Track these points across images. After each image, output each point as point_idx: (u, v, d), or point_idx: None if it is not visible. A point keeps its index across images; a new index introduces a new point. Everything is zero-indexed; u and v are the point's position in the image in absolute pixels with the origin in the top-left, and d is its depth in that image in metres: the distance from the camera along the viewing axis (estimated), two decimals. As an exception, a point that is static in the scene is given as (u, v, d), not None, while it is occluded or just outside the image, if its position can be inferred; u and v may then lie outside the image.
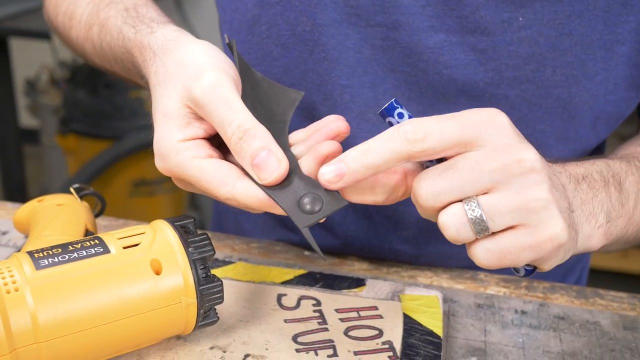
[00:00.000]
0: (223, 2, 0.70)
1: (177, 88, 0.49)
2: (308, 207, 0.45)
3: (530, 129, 0.62)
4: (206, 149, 0.49)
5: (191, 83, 0.48)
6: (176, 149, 0.49)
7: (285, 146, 0.51)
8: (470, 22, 0.58)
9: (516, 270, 0.48)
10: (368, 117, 0.64)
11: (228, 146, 0.48)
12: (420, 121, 0.44)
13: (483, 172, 0.43)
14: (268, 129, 0.48)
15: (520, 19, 0.58)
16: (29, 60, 2.52)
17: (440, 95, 0.61)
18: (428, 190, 0.44)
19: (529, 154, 0.44)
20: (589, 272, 0.85)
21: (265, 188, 0.47)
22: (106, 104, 2.07)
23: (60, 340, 0.43)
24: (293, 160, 0.49)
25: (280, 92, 0.58)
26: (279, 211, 0.46)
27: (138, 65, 0.56)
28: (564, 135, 0.62)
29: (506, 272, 0.66)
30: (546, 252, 0.44)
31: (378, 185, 0.48)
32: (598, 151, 0.69)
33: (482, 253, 0.44)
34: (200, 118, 0.49)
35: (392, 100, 0.47)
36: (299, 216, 0.45)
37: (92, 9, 0.66)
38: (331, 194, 0.46)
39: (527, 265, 0.47)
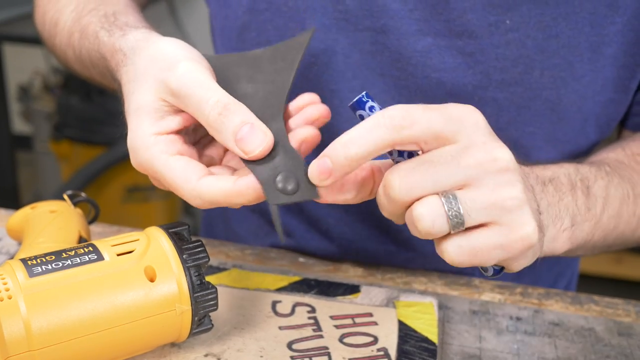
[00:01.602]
0: (214, 10, 0.70)
1: (149, 82, 0.48)
2: (284, 185, 0.45)
3: (520, 131, 0.62)
4: (177, 145, 0.48)
5: (165, 74, 0.48)
6: (146, 144, 0.48)
7: (276, 116, 0.50)
8: (458, 25, 0.59)
9: (484, 269, 0.47)
10: (358, 121, 0.64)
11: (208, 129, 0.47)
12: (406, 108, 0.43)
13: (459, 167, 0.42)
14: (264, 103, 0.49)
15: (507, 22, 0.58)
16: (22, 66, 2.51)
17: (428, 99, 0.62)
18: (402, 183, 0.42)
19: (504, 153, 0.43)
20: (582, 279, 0.85)
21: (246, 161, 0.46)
22: (99, 110, 2.07)
23: (54, 348, 0.43)
24: (282, 133, 0.48)
25: (285, 48, 0.57)
26: (246, 199, 0.45)
27: (111, 69, 0.56)
28: (552, 137, 0.63)
29: (501, 278, 0.66)
30: (516, 252, 0.44)
31: (347, 183, 0.47)
32: (588, 155, 0.69)
33: (454, 249, 0.43)
34: (175, 111, 0.49)
35: (363, 93, 0.46)
36: (273, 192, 0.44)
37: (74, 16, 0.66)
38: (310, 182, 0.45)
39: (495, 265, 0.47)
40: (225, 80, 0.52)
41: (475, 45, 0.59)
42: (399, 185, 0.43)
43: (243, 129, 0.45)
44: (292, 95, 0.64)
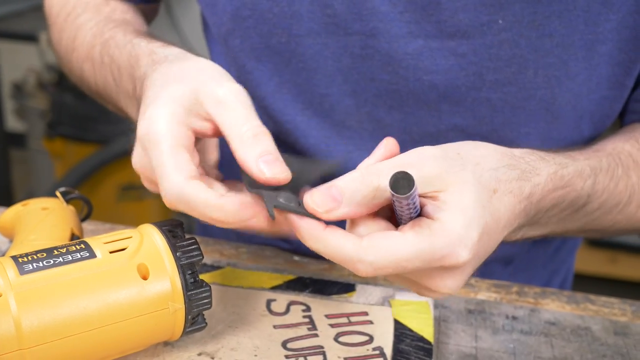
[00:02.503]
0: (205, 15, 0.70)
1: (193, 84, 0.48)
2: (286, 202, 0.45)
3: (515, 132, 0.61)
4: (190, 143, 0.48)
5: (215, 83, 0.48)
6: (163, 128, 0.46)
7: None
8: (449, 26, 0.58)
9: None
10: (349, 124, 0.63)
11: (233, 143, 0.46)
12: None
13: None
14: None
15: (500, 21, 0.57)
16: (16, 63, 2.50)
17: (421, 102, 0.61)
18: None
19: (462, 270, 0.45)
20: (577, 278, 0.85)
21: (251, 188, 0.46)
22: (94, 107, 2.05)
23: (45, 346, 0.43)
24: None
25: (313, 165, 0.58)
26: (222, 221, 0.46)
27: (141, 67, 0.55)
28: (548, 136, 0.62)
29: (497, 277, 0.66)
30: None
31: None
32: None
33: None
34: (202, 117, 0.48)
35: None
36: (273, 200, 0.45)
37: (95, 31, 0.67)
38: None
39: None
40: None
41: (467, 45, 0.58)
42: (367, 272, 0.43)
43: (268, 157, 0.45)
44: (272, 98, 0.64)
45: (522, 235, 0.53)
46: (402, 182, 0.40)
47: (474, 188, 0.44)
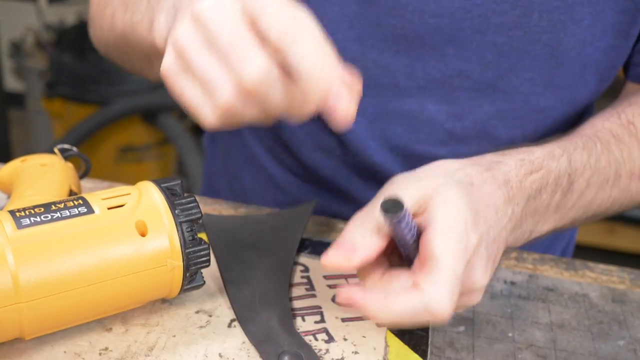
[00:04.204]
0: None
1: None
2: None
3: (519, 78, 0.61)
4: None
5: None
6: None
7: (282, 296, 0.52)
8: None
9: None
10: (355, 70, 0.63)
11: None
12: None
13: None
14: (268, 276, 0.53)
15: None
16: (14, 21, 2.48)
17: (427, 47, 0.61)
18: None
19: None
20: (575, 249, 0.84)
21: (251, 336, 0.47)
22: (93, 68, 2.04)
23: (42, 301, 0.42)
24: (287, 314, 0.50)
25: (287, 216, 0.61)
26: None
27: None
28: (551, 83, 0.62)
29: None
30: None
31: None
32: (587, 109, 0.68)
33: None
34: None
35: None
36: None
37: None
38: (312, 356, 0.46)
39: None
40: (229, 243, 0.56)
41: None
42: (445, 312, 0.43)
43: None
44: None
45: (531, 233, 0.53)
46: (391, 203, 0.42)
47: (452, 184, 0.46)
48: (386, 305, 0.43)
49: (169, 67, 0.43)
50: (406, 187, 0.46)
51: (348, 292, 0.44)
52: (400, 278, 0.45)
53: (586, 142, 0.57)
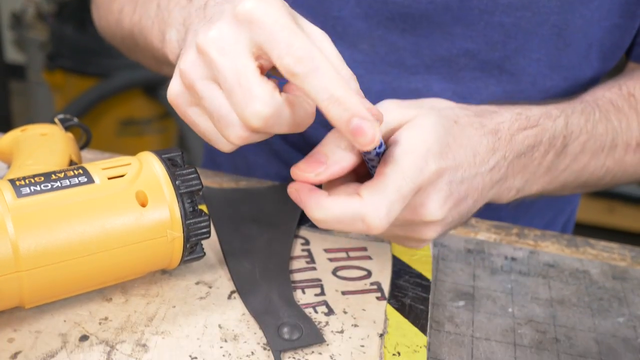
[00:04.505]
0: None
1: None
2: (290, 336, 0.46)
3: (527, 59, 0.61)
4: None
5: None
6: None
7: (283, 269, 0.52)
8: None
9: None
10: (362, 47, 0.62)
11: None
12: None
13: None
14: (269, 249, 0.53)
15: None
16: (14, -8, 2.46)
17: (434, 25, 0.60)
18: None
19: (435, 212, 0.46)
20: (575, 227, 0.84)
21: (250, 308, 0.47)
22: (94, 40, 2.02)
23: (42, 270, 0.42)
24: (288, 288, 0.50)
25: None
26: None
27: None
28: (557, 64, 0.61)
29: (497, 219, 0.65)
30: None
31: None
32: (590, 85, 0.68)
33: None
34: None
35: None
36: (277, 340, 0.45)
37: None
38: (312, 328, 0.46)
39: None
40: (230, 216, 0.56)
41: None
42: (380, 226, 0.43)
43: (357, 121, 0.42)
44: None
45: (518, 192, 0.53)
46: None
47: (433, 114, 0.46)
48: (324, 205, 0.43)
49: (177, 96, 0.44)
50: (389, 111, 0.47)
51: (299, 186, 0.44)
52: (350, 186, 0.45)
53: (585, 107, 0.57)
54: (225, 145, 0.45)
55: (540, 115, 0.53)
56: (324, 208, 0.43)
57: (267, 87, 0.40)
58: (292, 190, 0.45)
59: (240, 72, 0.40)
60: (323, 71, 0.38)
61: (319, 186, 0.45)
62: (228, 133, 0.42)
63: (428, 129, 0.45)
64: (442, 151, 0.45)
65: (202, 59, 0.41)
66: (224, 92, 0.41)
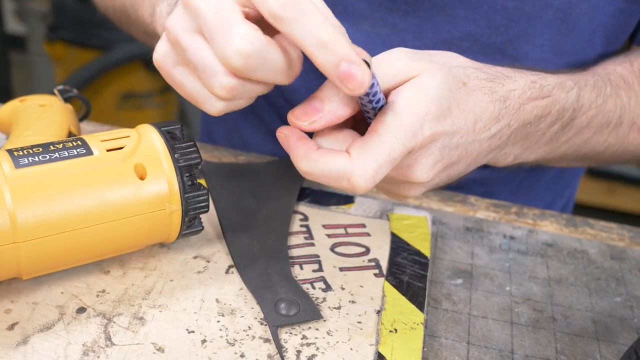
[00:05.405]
0: None
1: None
2: (287, 312, 0.46)
3: (530, 44, 0.60)
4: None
5: None
6: None
7: (282, 246, 0.51)
8: None
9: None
10: (363, 28, 0.62)
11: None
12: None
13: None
14: (268, 224, 0.53)
15: None
16: (15, -38, 2.43)
17: (437, 7, 0.59)
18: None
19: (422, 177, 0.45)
20: (575, 208, 0.84)
21: (248, 283, 0.47)
22: (96, 12, 2.00)
23: (40, 241, 0.42)
24: (286, 265, 0.50)
25: (286, 165, 0.60)
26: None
27: None
28: (560, 49, 0.61)
29: (496, 197, 0.65)
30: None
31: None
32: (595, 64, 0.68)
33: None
34: None
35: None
36: (274, 315, 0.45)
37: None
38: (309, 304, 0.46)
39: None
40: (229, 191, 0.56)
41: None
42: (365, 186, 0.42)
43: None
44: None
45: (515, 158, 0.52)
46: None
47: (441, 73, 0.44)
48: (312, 157, 0.42)
49: (163, 56, 0.43)
50: (399, 60, 0.44)
51: (288, 131, 0.43)
52: (342, 134, 0.44)
53: (597, 81, 0.56)
54: (212, 104, 0.43)
55: (554, 86, 0.51)
56: (312, 161, 0.42)
57: (249, 25, 0.39)
58: (281, 135, 0.43)
59: (222, 13, 0.39)
60: (309, 16, 0.37)
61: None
62: (212, 83, 0.41)
63: (431, 89, 0.43)
64: (440, 115, 0.43)
65: (187, 11, 0.41)
66: (206, 38, 0.40)
